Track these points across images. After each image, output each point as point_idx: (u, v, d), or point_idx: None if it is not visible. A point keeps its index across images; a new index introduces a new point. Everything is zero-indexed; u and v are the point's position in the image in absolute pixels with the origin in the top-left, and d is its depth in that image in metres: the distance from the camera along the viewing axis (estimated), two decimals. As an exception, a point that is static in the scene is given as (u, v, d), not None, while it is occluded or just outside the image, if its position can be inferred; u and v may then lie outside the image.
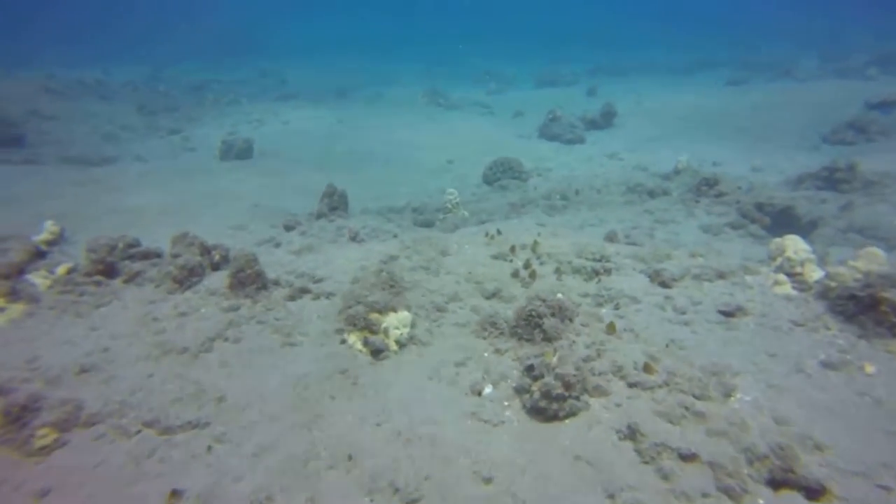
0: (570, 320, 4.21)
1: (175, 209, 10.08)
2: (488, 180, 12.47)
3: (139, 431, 3.16)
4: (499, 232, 6.26)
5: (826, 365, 3.84)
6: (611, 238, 6.60)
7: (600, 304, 4.92)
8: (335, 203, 8.86)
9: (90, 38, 40.20)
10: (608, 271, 5.51)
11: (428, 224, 8.57)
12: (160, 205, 10.26)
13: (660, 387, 3.60)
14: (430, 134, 18.26)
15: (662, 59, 38.19)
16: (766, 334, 4.19)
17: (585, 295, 5.06)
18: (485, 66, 37.50)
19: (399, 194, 12.02)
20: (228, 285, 4.73)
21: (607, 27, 55.80)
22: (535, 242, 5.94)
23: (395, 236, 7.42)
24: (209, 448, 3.15)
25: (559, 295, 4.26)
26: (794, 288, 4.59)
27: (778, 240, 4.91)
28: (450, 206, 8.49)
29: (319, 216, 8.78)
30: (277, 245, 7.41)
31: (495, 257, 5.80)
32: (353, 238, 6.72)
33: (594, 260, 5.70)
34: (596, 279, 5.35)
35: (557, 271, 5.51)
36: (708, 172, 9.47)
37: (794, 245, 4.69)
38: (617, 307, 4.81)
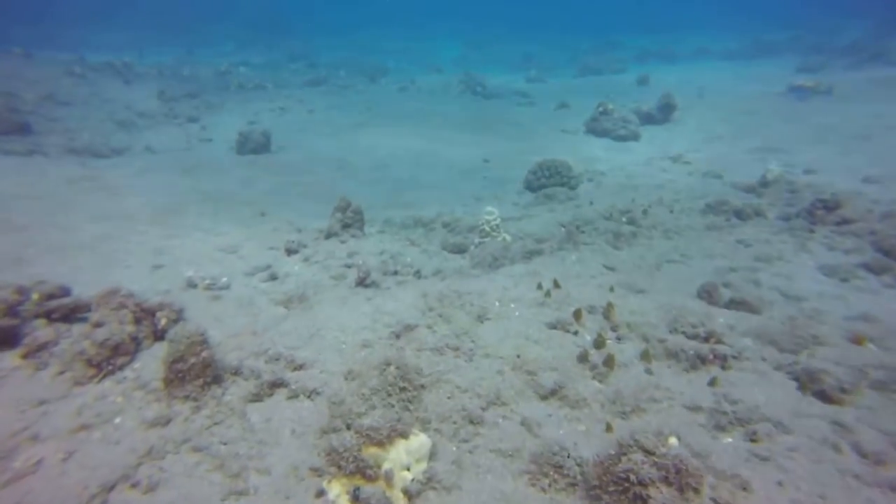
0: (696, 491, 2.50)
1: (167, 217, 8.69)
2: (531, 186, 10.70)
3: None
4: (556, 284, 4.55)
5: None
6: (709, 293, 4.80)
7: (722, 429, 3.18)
8: (348, 220, 7.29)
9: (136, 23, 39.58)
10: (723, 360, 3.75)
11: (460, 249, 6.92)
12: (152, 211, 8.88)
13: None
14: (465, 127, 16.48)
15: (714, 43, 35.08)
16: None
17: (695, 408, 3.33)
18: (522, 50, 35.22)
19: (428, 200, 10.36)
20: (163, 379, 3.20)
21: (649, 6, 52.15)
22: (610, 306, 4.21)
23: (418, 273, 5.79)
24: None
25: (672, 440, 2.57)
26: None
27: None
28: (488, 228, 6.80)
29: (329, 235, 7.24)
30: (272, 278, 5.89)
31: (553, 326, 4.11)
32: (362, 282, 5.14)
33: (696, 337, 3.95)
34: (708, 376, 3.60)
35: (645, 356, 3.79)
36: (826, 193, 7.36)
37: None
38: (753, 439, 3.06)
